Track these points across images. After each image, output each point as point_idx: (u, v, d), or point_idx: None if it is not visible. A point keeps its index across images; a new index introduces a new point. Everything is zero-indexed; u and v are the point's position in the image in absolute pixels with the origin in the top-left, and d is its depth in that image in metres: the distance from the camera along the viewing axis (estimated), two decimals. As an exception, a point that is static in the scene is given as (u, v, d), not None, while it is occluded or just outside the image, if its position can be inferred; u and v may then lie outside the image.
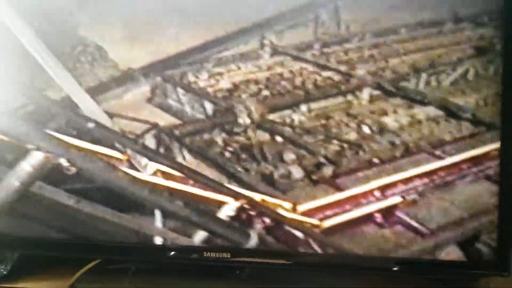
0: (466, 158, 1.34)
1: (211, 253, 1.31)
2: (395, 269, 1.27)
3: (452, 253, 1.31)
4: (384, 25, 1.47)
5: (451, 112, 1.43)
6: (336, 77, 1.55)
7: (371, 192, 1.37)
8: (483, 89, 1.41)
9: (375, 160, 1.42)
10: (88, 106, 1.44)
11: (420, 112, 1.46)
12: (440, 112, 1.44)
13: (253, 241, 1.39)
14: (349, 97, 1.53)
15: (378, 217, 1.35)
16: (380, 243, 1.32)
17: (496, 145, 1.30)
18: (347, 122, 1.49)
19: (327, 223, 1.37)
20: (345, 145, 1.46)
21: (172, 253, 1.32)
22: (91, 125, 1.39)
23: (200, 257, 1.30)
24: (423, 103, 1.46)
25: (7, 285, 1.33)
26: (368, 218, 1.34)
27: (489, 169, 1.32)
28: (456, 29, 1.42)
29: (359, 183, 1.37)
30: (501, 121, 1.28)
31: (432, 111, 1.45)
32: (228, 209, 1.42)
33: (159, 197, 1.41)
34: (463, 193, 1.32)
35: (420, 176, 1.35)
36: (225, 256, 1.30)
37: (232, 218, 1.41)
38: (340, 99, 1.53)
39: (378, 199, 1.36)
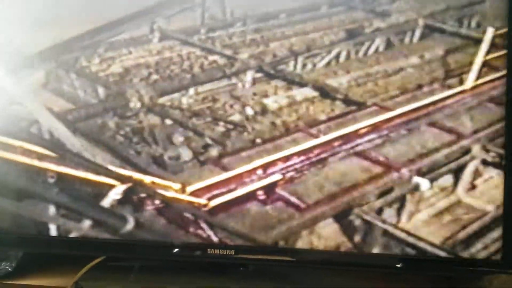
0: (338, 136, 1.28)
1: (215, 250, 1.23)
2: (398, 266, 1.18)
3: (328, 226, 1.27)
4: (265, 10, 1.41)
5: (325, 93, 1.37)
6: (221, 61, 1.46)
7: (254, 171, 1.29)
8: (354, 70, 1.35)
9: (258, 140, 1.35)
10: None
11: (298, 93, 1.39)
12: (315, 93, 1.38)
13: (129, 226, 1.34)
14: (234, 80, 1.44)
15: (261, 195, 1.28)
16: (263, 219, 1.26)
17: (365, 123, 1.24)
18: (232, 104, 1.41)
19: (214, 202, 1.29)
20: (230, 126, 1.38)
21: (176, 250, 1.25)
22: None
23: (204, 254, 1.23)
24: (300, 84, 1.39)
25: (12, 282, 1.27)
26: (252, 196, 1.28)
27: (359, 146, 1.30)
28: (330, 13, 1.36)
29: (243, 162, 1.29)
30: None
31: (308, 92, 1.39)
32: (114, 193, 1.35)
33: (41, 184, 1.33)
34: (336, 169, 1.26)
35: (297, 154, 1.28)
36: (229, 253, 1.23)
37: (122, 201, 1.35)
38: (225, 82, 1.44)
39: (260, 178, 1.28)
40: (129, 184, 1.29)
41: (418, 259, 1.16)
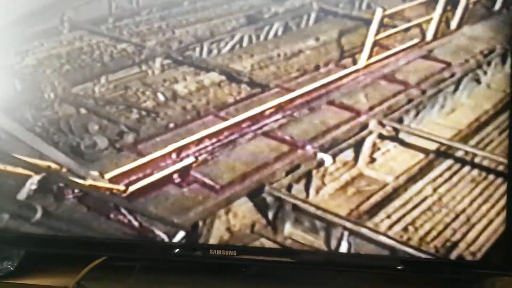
0: (246, 117, 1.20)
1: (217, 250, 1.12)
2: (399, 268, 1.07)
3: (243, 205, 1.18)
4: None
5: (232, 77, 1.28)
6: (130, 49, 1.35)
7: (168, 155, 1.19)
8: (257, 54, 1.28)
9: (171, 125, 1.23)
10: None
11: (205, 78, 1.30)
12: (222, 77, 1.29)
13: (38, 215, 1.22)
14: (144, 67, 1.34)
15: (176, 178, 1.18)
16: (180, 201, 1.16)
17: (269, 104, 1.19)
18: (144, 90, 1.30)
19: (132, 188, 1.18)
20: (144, 113, 1.28)
21: (178, 250, 1.14)
22: None
23: (206, 255, 1.12)
24: (207, 69, 1.30)
25: (14, 282, 1.16)
26: (168, 179, 1.17)
27: (265, 126, 1.21)
28: (230, 0, 1.26)
29: (158, 147, 1.20)
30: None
31: (215, 76, 1.29)
32: (30, 183, 1.23)
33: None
34: (246, 150, 1.18)
35: (209, 137, 1.19)
36: (231, 254, 1.11)
37: (39, 191, 1.23)
38: (135, 69, 1.34)
39: (175, 161, 1.18)
40: (43, 174, 1.19)
41: (420, 261, 1.07)
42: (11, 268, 1.20)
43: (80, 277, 1.12)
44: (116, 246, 1.16)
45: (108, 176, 1.20)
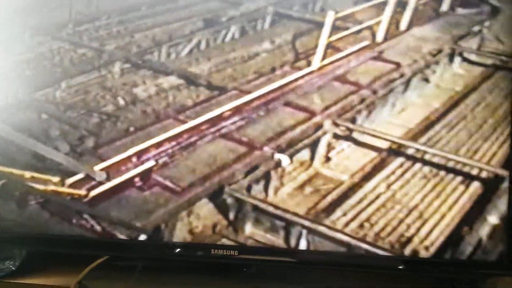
0: (204, 120, 1.16)
1: (218, 250, 1.06)
2: (401, 267, 1.02)
3: (204, 207, 1.10)
4: (128, 3, 1.25)
5: (190, 80, 1.24)
6: (90, 54, 1.29)
7: (129, 158, 1.14)
8: (215, 57, 1.25)
9: (131, 129, 1.18)
10: None
11: (164, 81, 1.25)
12: (181, 80, 1.24)
13: None
14: (103, 71, 1.28)
15: (138, 182, 1.12)
16: (142, 205, 1.10)
17: (227, 106, 1.15)
18: (104, 95, 1.25)
19: (93, 192, 1.11)
20: (104, 117, 1.22)
21: (179, 250, 1.08)
22: None
23: (207, 255, 1.06)
24: (166, 73, 1.25)
25: (16, 281, 1.10)
26: (129, 183, 1.12)
27: (224, 128, 1.16)
28: (188, 4, 1.22)
29: (119, 151, 1.14)
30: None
31: (174, 80, 1.25)
32: None
33: None
34: (205, 152, 1.13)
35: (168, 140, 1.14)
36: (232, 254, 1.05)
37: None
38: (95, 74, 1.28)
39: (136, 165, 1.13)
40: (3, 181, 1.13)
41: (421, 261, 1.02)
42: (13, 268, 1.15)
43: (81, 277, 1.07)
44: (118, 246, 1.11)
45: (69, 181, 1.13)
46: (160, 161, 1.12)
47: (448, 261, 1.02)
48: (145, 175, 1.13)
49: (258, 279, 1.10)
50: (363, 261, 1.04)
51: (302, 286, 1.08)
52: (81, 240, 1.10)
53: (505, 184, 1.02)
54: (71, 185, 1.16)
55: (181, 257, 1.09)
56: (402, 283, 1.08)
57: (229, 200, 1.10)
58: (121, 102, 1.24)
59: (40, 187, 1.16)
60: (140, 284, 1.08)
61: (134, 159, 1.15)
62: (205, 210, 1.10)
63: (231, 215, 1.10)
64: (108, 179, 1.10)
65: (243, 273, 1.12)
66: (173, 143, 1.14)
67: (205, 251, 1.07)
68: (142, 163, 1.13)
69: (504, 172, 1.04)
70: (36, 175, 1.18)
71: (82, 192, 1.16)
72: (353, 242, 1.04)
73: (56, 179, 1.18)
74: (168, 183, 1.12)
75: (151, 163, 1.13)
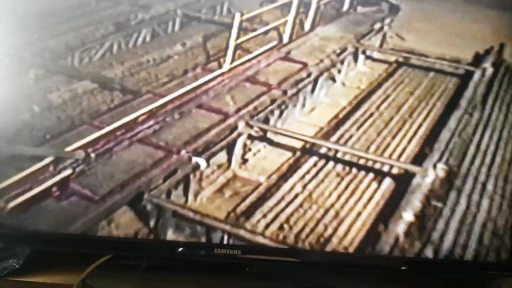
0: (120, 125, 1.13)
1: (222, 250, 1.04)
2: (403, 268, 0.99)
3: (124, 214, 1.07)
4: (45, 8, 1.21)
5: (103, 84, 1.22)
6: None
7: (46, 167, 1.09)
8: (127, 61, 1.23)
9: (48, 136, 1.14)
10: None
11: (78, 86, 1.23)
12: (95, 85, 1.22)
13: None
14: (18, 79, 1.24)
15: (56, 191, 1.08)
16: (61, 215, 1.06)
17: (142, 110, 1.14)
18: (19, 102, 1.20)
19: (12, 204, 1.07)
20: (20, 125, 1.15)
21: (183, 249, 1.06)
22: None
23: (211, 254, 1.04)
24: (79, 78, 1.23)
25: (19, 279, 1.09)
26: (47, 193, 1.07)
27: (140, 133, 1.14)
28: (98, 9, 1.20)
29: (35, 160, 1.09)
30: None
31: (88, 84, 1.22)
32: None
33: None
34: (123, 158, 1.11)
35: (84, 147, 1.11)
36: (236, 253, 1.03)
37: None
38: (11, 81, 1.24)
39: (53, 174, 1.09)
40: None
41: (424, 262, 0.99)
42: (17, 266, 1.14)
43: (85, 275, 1.07)
44: (121, 245, 1.09)
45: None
46: (77, 169, 1.09)
47: (452, 261, 1.00)
48: (62, 184, 1.10)
49: (261, 278, 1.10)
50: (366, 261, 1.02)
51: (304, 286, 1.08)
52: (85, 239, 1.08)
53: (417, 180, 1.04)
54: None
55: (184, 256, 1.08)
56: (405, 283, 1.06)
57: (149, 207, 1.08)
58: (36, 109, 1.20)
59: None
60: (143, 282, 1.08)
61: (51, 168, 1.10)
62: (126, 218, 1.08)
63: (152, 222, 1.09)
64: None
65: (246, 272, 1.11)
66: (90, 149, 1.10)
67: (208, 250, 1.06)
68: (59, 172, 1.09)
69: (414, 168, 1.05)
70: None
71: (0, 203, 1.13)
72: (274, 245, 1.04)
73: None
74: (86, 191, 1.08)
75: (68, 171, 1.10)
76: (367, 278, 1.07)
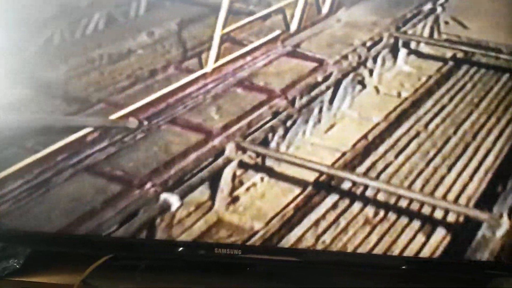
0: (59, 147, 0.95)
1: (222, 249, 0.99)
2: (404, 267, 0.95)
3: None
4: None
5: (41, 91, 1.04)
6: None
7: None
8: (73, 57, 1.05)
9: None
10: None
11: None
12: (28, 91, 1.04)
13: None
14: None
15: None
16: None
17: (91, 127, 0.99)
18: None
19: None
20: None
21: (183, 249, 1.03)
22: None
23: (211, 254, 1.01)
24: None
25: (19, 279, 1.09)
26: None
27: (88, 158, 0.95)
28: None
29: None
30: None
31: (20, 90, 1.04)
32: None
33: None
34: (64, 192, 0.93)
35: (12, 176, 0.93)
36: (236, 253, 0.99)
37: None
38: None
39: None
40: None
41: (424, 261, 0.94)
42: (17, 266, 1.14)
43: (85, 275, 1.06)
44: (122, 245, 1.07)
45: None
46: (4, 207, 0.94)
47: (452, 261, 0.93)
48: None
49: (261, 278, 1.08)
50: (367, 260, 0.97)
51: (305, 285, 1.05)
52: (85, 239, 1.04)
53: (483, 232, 0.91)
54: None
55: (185, 256, 1.07)
56: (406, 283, 1.03)
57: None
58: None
59: None
60: (144, 282, 1.08)
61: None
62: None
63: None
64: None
65: (247, 272, 1.09)
66: (20, 181, 0.95)
67: (208, 250, 1.03)
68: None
69: (480, 214, 0.91)
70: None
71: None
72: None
73: None
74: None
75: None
76: (367, 278, 1.05)
